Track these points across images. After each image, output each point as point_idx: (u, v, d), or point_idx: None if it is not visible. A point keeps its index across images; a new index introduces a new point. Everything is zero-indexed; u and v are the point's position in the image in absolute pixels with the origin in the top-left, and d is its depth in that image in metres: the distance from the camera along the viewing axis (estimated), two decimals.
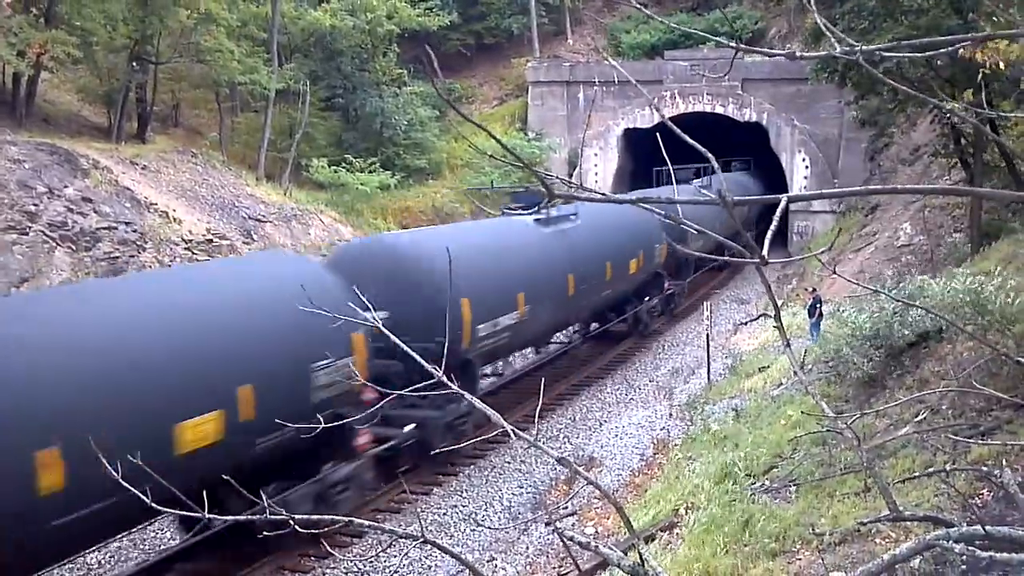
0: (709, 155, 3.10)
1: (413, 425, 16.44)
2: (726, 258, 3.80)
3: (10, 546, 9.15)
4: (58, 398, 9.51)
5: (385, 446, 15.66)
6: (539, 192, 3.10)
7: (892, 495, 4.49)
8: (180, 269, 20.54)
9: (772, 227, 3.07)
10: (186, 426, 10.84)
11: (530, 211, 22.59)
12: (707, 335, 21.76)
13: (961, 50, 10.78)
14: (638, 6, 4.18)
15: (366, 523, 3.42)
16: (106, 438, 8.78)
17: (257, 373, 12.01)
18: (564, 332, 26.21)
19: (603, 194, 3.50)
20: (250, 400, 11.79)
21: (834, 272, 5.31)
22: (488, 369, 21.24)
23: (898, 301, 12.90)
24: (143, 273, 22.16)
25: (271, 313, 12.66)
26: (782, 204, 2.94)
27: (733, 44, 3.56)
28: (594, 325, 27.15)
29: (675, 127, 3.53)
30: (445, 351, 5.82)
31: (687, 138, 3.24)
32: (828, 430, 10.45)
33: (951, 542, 4.16)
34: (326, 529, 3.27)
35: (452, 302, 16.27)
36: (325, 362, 13.23)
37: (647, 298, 28.60)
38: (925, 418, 11.52)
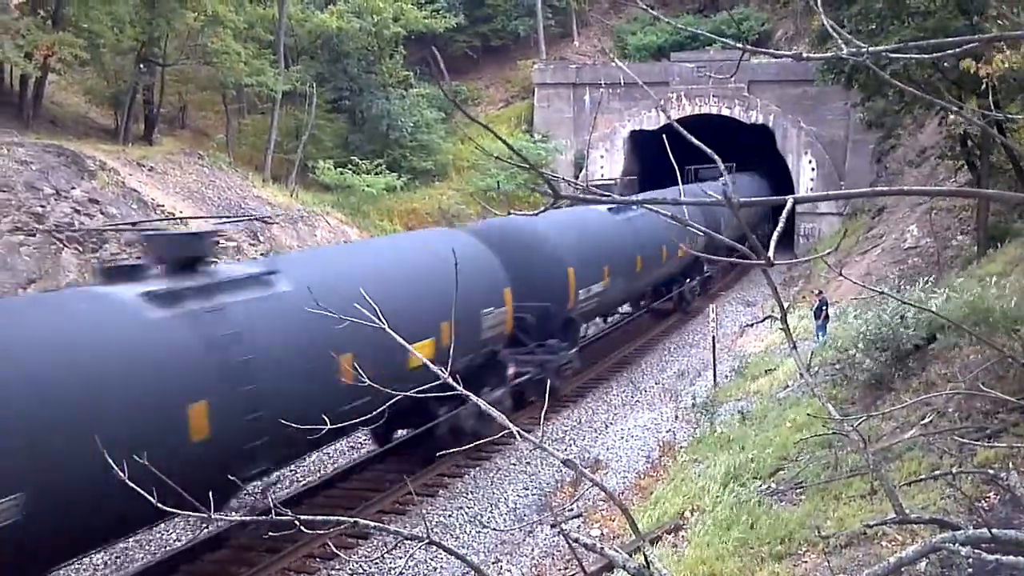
0: (715, 156, 3.10)
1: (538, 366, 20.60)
2: (731, 259, 3.80)
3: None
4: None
5: (523, 378, 19.79)
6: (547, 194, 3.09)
7: (898, 498, 4.48)
8: (386, 240, 24.09)
9: (778, 228, 3.06)
10: (415, 347, 12.67)
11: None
12: (713, 337, 21.73)
13: (963, 62, 10.82)
14: (645, 7, 4.17)
15: (372, 524, 3.42)
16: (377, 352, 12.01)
17: (451, 313, 15.76)
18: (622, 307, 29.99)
19: (609, 196, 3.49)
20: (447, 332, 15.76)
21: (840, 274, 5.29)
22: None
23: (905, 303, 12.87)
24: (363, 243, 27.45)
25: (454, 271, 16.27)
26: (788, 205, 2.94)
27: (739, 45, 3.56)
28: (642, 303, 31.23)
29: (682, 128, 3.53)
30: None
31: (693, 139, 3.24)
32: (834, 432, 10.43)
33: (957, 545, 4.15)
34: (331, 530, 3.28)
35: (562, 270, 21.59)
36: (488, 309, 17.66)
37: (688, 279, 32.95)
38: (931, 421, 11.50)
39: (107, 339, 10.54)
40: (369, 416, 5.04)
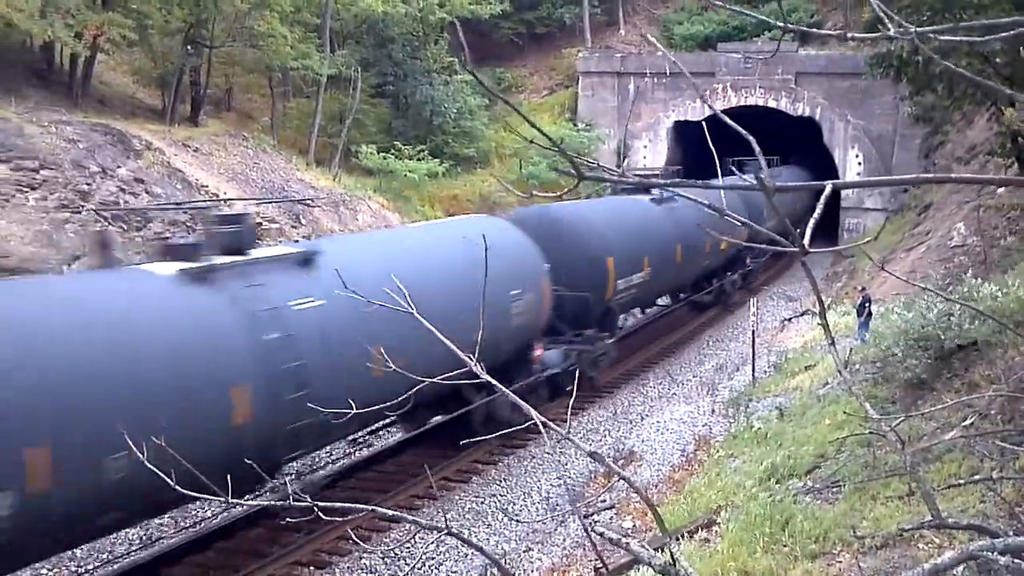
0: (753, 142, 3.01)
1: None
2: (764, 246, 3.69)
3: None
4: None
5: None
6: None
7: (935, 501, 4.37)
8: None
9: (815, 214, 2.98)
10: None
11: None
12: (752, 331, 21.54)
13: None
14: None
15: (389, 512, 3.39)
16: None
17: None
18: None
19: (637, 179, 3.41)
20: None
21: (882, 268, 5.19)
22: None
23: (951, 300, 12.62)
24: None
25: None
26: (826, 191, 2.84)
27: (780, 24, 3.46)
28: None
29: (723, 115, 3.44)
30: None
31: (734, 124, 3.15)
32: (872, 432, 10.26)
33: (996, 553, 4.04)
34: (349, 517, 3.25)
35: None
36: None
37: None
38: (973, 423, 11.29)
39: (646, 217, 22.97)
40: (396, 402, 4.97)
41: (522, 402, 3.41)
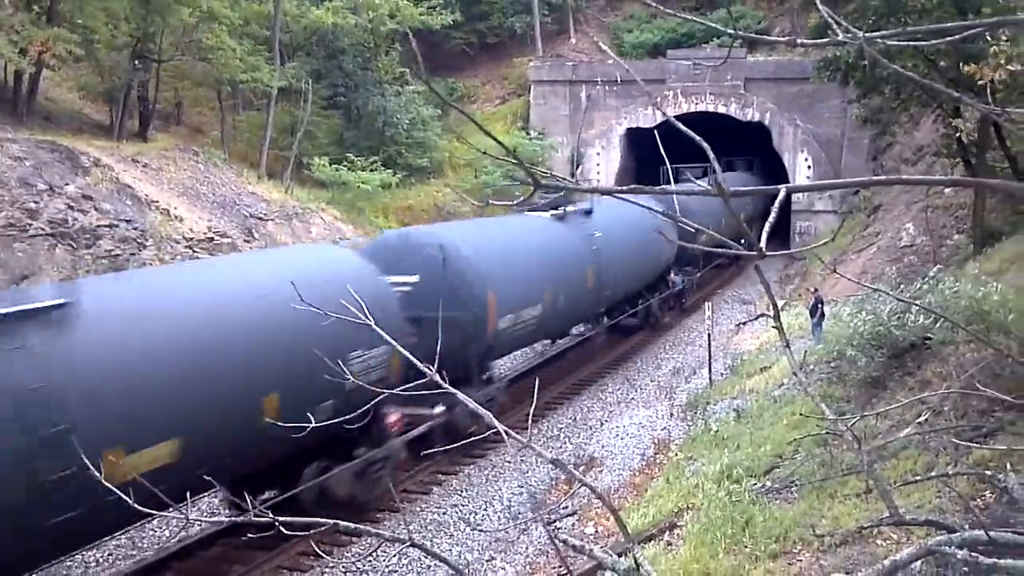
0: (707, 148, 3.04)
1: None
2: (723, 250, 3.70)
3: None
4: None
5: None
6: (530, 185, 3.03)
7: (892, 498, 4.43)
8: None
9: (770, 219, 3.02)
10: None
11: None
12: (708, 335, 21.69)
13: (965, 66, 10.79)
14: (646, 2, 4.10)
15: (352, 525, 3.36)
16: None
17: None
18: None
19: (589, 186, 3.43)
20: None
21: (834, 271, 5.26)
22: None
23: (901, 300, 12.82)
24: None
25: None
26: (780, 195, 2.88)
27: (731, 31, 3.50)
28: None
29: (678, 123, 3.47)
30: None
31: (690, 132, 3.18)
32: (828, 432, 10.38)
33: (953, 548, 4.10)
34: (311, 532, 3.22)
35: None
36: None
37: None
38: (927, 419, 11.45)
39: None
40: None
41: (484, 411, 3.40)
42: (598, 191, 3.28)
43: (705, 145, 2.99)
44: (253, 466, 12.92)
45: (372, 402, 7.19)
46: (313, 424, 4.95)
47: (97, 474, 3.84)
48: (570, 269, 22.27)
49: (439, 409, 17.04)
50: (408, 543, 3.16)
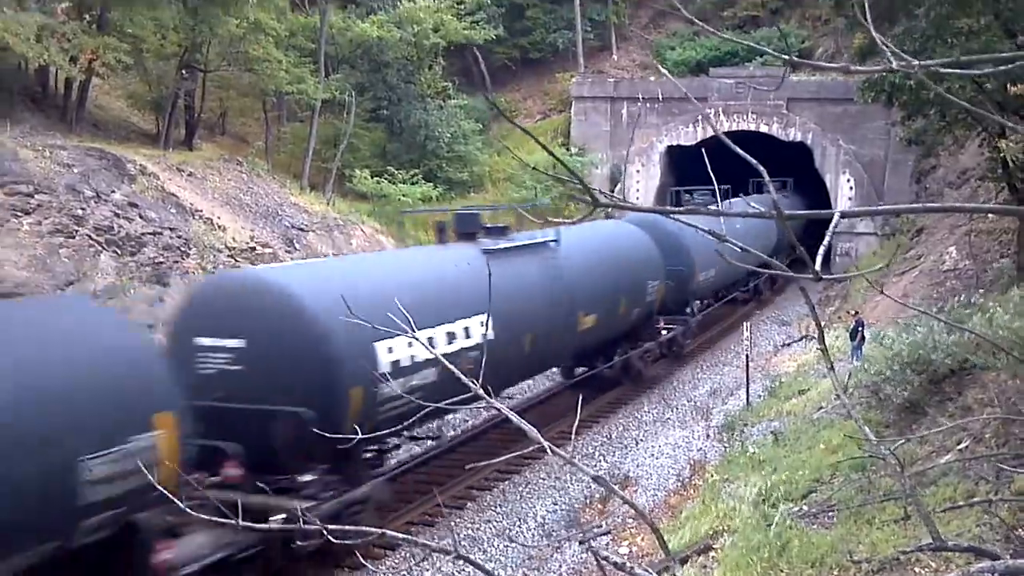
0: (761, 169, 3.06)
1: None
2: (779, 272, 3.60)
3: None
4: None
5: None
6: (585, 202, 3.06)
7: (935, 524, 4.40)
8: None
9: (825, 243, 3.03)
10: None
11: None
12: (746, 356, 21.56)
13: (1013, 88, 10.68)
14: (692, 18, 4.12)
15: (400, 536, 3.40)
16: None
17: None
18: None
19: (648, 206, 3.46)
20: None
21: (882, 292, 5.23)
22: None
23: (948, 323, 12.66)
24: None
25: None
26: (835, 220, 2.90)
27: (787, 56, 3.52)
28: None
29: (729, 141, 3.49)
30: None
31: (741, 152, 3.20)
32: (871, 456, 10.28)
33: (996, 575, 4.07)
34: (359, 541, 3.26)
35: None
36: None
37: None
38: (967, 446, 11.32)
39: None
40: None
41: (528, 427, 3.43)
42: (655, 211, 3.32)
43: (760, 167, 3.02)
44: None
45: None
46: None
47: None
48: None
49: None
50: (454, 554, 3.19)
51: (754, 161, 3.11)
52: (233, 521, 3.08)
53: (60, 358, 9.67)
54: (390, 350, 13.68)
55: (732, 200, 32.79)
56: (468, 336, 15.57)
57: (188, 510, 3.45)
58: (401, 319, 10.85)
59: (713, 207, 27.91)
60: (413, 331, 4.16)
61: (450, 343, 15.16)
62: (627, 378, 24.58)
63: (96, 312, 12.33)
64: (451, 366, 3.74)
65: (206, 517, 3.08)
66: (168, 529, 10.48)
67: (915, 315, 16.59)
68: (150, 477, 7.06)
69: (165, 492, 3.49)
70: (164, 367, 10.81)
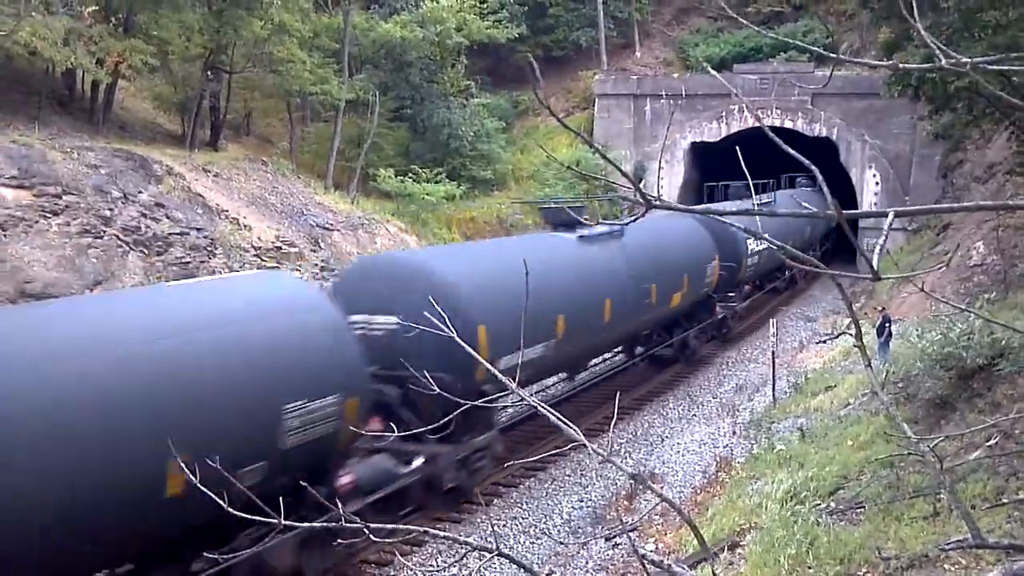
0: (816, 172, 3.10)
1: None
2: (839, 272, 3.56)
3: None
4: None
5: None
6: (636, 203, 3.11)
7: (974, 520, 4.39)
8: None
9: (880, 241, 3.07)
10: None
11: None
12: (772, 352, 21.49)
13: None
14: (728, 10, 4.13)
15: (440, 534, 3.43)
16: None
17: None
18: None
19: (697, 206, 3.49)
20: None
21: (922, 290, 5.19)
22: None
23: (987, 320, 12.56)
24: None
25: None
26: (889, 218, 2.92)
27: (834, 55, 3.53)
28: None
29: (779, 140, 3.50)
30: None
31: (788, 149, 3.23)
32: (910, 453, 10.23)
33: None
34: (399, 539, 3.29)
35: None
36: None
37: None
38: (997, 442, 11.26)
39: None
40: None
41: (565, 424, 3.45)
42: (705, 211, 3.34)
43: (813, 167, 3.04)
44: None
45: None
46: None
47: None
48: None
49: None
50: (496, 552, 3.22)
51: (801, 158, 3.14)
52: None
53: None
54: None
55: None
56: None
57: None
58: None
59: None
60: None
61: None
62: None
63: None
64: (495, 369, 3.76)
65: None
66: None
67: (943, 311, 16.49)
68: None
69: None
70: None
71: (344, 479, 13.20)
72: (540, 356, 17.69)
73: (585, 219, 23.49)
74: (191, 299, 11.98)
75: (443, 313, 13.13)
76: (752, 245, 29.79)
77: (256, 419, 11.09)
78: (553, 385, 23.78)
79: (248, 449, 10.90)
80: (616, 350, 25.06)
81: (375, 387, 13.78)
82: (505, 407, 20.07)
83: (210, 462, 4.31)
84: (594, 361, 24.13)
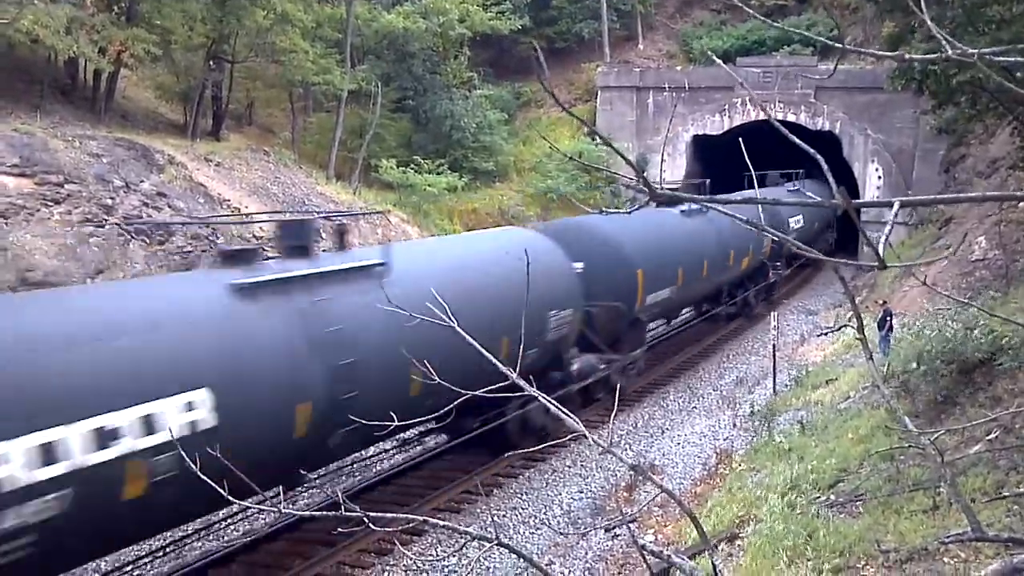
0: (823, 164, 3.11)
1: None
2: (845, 261, 3.72)
3: None
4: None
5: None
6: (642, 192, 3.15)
7: (974, 514, 4.40)
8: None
9: (887, 230, 3.09)
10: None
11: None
12: (773, 345, 21.50)
13: None
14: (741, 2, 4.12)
15: (441, 523, 3.44)
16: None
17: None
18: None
19: (700, 196, 3.49)
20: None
21: (924, 283, 5.21)
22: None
23: (992, 315, 12.54)
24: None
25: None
26: (895, 207, 2.93)
27: (839, 45, 3.52)
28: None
29: (792, 136, 3.50)
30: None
31: (797, 141, 3.24)
32: (910, 445, 10.23)
33: None
34: (398, 528, 3.31)
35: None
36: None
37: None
38: (997, 436, 11.26)
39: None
40: (438, 414, 5.14)
41: (566, 415, 3.46)
42: (712, 200, 3.34)
43: (820, 158, 3.05)
44: None
45: None
46: None
47: None
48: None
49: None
50: (496, 542, 3.22)
51: (808, 147, 3.15)
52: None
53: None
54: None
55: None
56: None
57: None
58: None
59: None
60: None
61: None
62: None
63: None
64: (511, 378, 3.77)
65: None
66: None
67: (943, 305, 16.50)
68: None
69: None
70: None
71: (575, 366, 19.29)
72: (667, 298, 24.36)
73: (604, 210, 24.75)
74: (483, 245, 18.14)
75: (617, 262, 21.59)
76: (793, 223, 36.43)
77: (536, 320, 17.00)
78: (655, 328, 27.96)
79: (530, 339, 16.87)
80: (687, 309, 31.08)
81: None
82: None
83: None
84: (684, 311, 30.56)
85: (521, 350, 14.90)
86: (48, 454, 8.50)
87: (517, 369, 3.42)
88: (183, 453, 4.38)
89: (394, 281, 13.22)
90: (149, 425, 9.36)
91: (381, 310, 10.96)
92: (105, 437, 8.99)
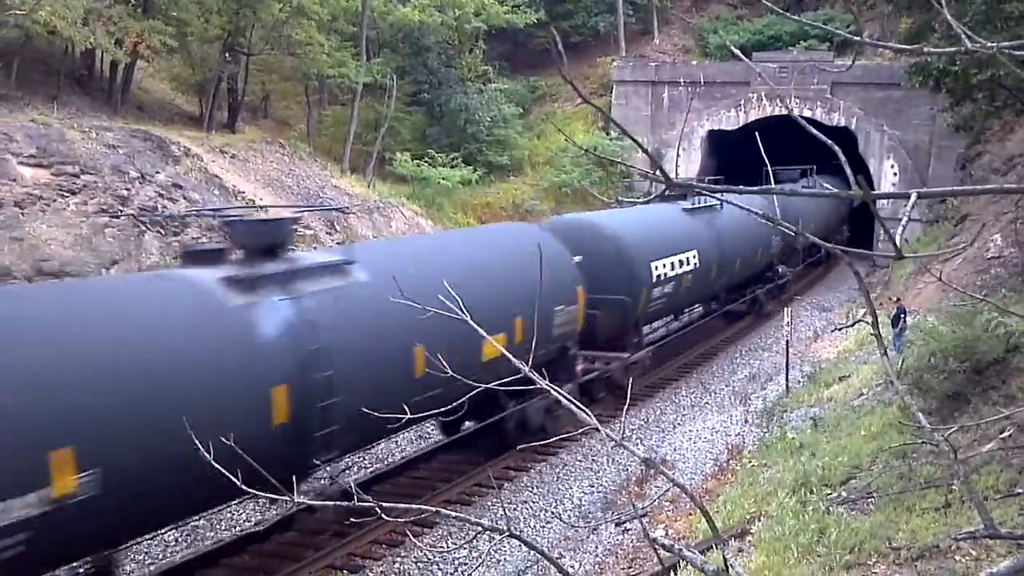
0: (841, 155, 3.12)
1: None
2: (864, 251, 3.80)
3: None
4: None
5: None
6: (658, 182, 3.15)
7: (988, 511, 4.39)
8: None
9: (903, 222, 3.10)
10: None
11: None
12: (787, 341, 21.44)
13: None
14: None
15: (452, 514, 3.45)
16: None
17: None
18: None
19: (719, 187, 3.49)
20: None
21: (939, 279, 5.21)
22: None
23: (1002, 310, 12.48)
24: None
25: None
26: (912, 198, 2.94)
27: (859, 39, 3.52)
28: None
29: (812, 129, 3.50)
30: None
31: (817, 133, 3.25)
32: (923, 442, 10.20)
33: None
34: (411, 518, 3.33)
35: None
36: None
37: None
38: (1011, 434, 11.22)
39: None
40: (442, 409, 5.12)
41: (579, 409, 3.47)
42: (725, 191, 3.34)
43: (838, 150, 3.06)
44: None
45: None
46: None
47: None
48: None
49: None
50: (506, 533, 3.24)
51: (826, 139, 3.16)
52: None
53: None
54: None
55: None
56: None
57: None
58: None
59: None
60: None
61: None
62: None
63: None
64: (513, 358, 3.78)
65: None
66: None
67: (958, 302, 16.41)
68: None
69: None
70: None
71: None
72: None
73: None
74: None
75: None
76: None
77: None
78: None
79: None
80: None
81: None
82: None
83: None
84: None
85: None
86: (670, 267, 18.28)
87: (529, 363, 3.44)
88: None
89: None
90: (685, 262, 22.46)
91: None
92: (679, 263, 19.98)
